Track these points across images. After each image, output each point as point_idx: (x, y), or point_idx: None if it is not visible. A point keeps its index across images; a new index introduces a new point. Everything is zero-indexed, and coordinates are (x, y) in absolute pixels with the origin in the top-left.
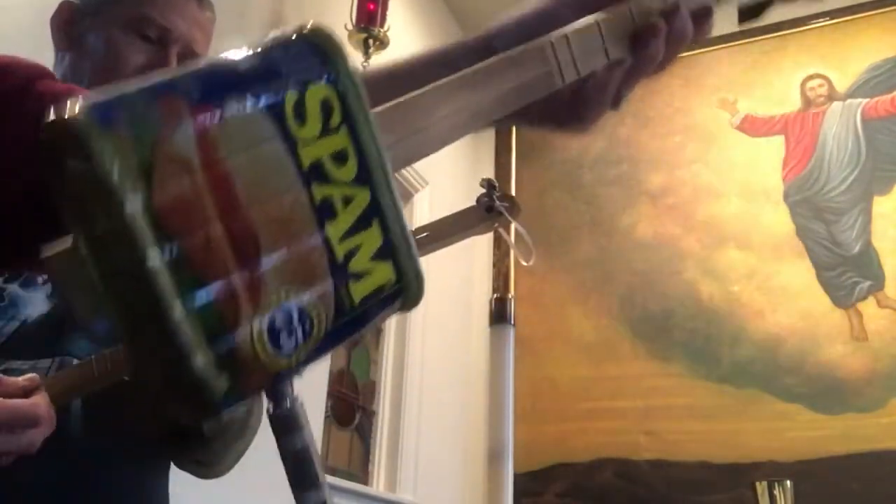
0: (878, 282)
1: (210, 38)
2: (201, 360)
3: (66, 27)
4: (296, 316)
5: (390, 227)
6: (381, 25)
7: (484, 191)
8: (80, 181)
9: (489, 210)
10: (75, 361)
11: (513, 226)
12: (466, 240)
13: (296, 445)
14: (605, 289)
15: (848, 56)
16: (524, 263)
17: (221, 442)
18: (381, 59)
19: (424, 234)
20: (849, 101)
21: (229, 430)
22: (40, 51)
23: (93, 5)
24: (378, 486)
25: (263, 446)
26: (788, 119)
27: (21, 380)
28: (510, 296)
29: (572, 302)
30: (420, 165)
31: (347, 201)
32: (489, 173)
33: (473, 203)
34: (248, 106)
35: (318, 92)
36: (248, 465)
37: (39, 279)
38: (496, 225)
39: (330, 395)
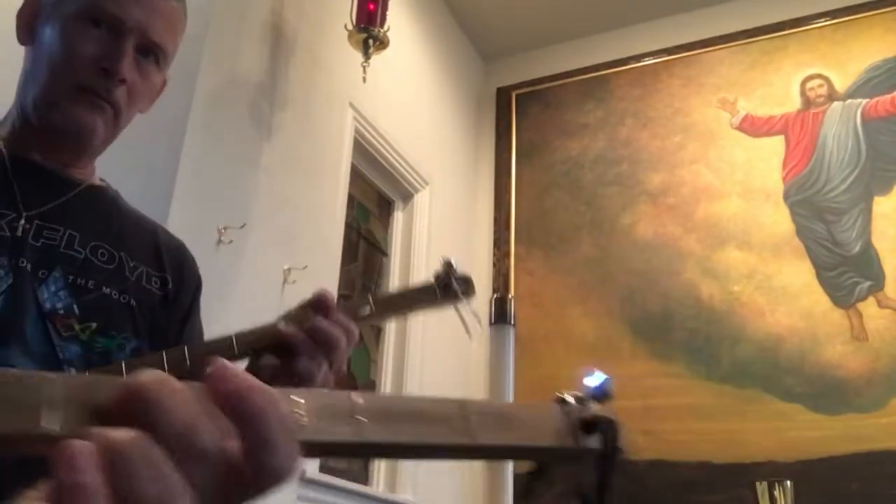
0: (878, 282)
1: (176, 28)
2: None
3: (31, 22)
4: None
5: None
6: (381, 25)
7: (441, 269)
8: None
9: (445, 288)
10: None
11: (469, 306)
12: (465, 240)
13: None
14: (605, 289)
15: (848, 56)
16: (469, 338)
17: None
18: (381, 59)
19: (378, 306)
20: (849, 101)
21: None
22: None
23: (53, 2)
24: (378, 486)
25: None
26: (788, 119)
27: None
28: (510, 296)
29: (572, 302)
30: (420, 165)
31: None
32: (489, 173)
33: (435, 273)
34: None
35: None
36: None
37: None
38: (453, 304)
39: None
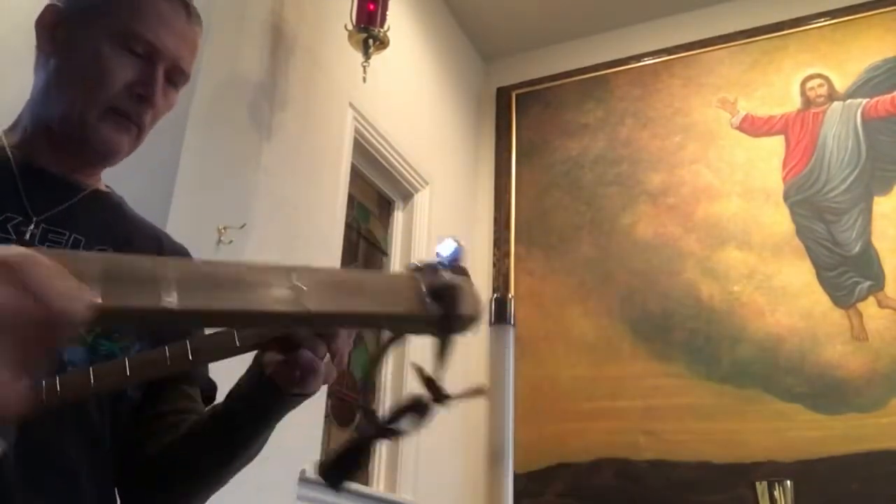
0: (878, 282)
1: (196, 53)
2: None
3: (52, 30)
4: None
5: None
6: (381, 25)
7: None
8: None
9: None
10: None
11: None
12: (465, 240)
13: None
14: (605, 289)
15: (848, 56)
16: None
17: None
18: (381, 59)
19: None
20: (849, 101)
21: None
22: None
23: (81, 13)
24: (378, 486)
25: None
26: (788, 119)
27: None
28: (510, 296)
29: (572, 302)
30: (420, 165)
31: None
32: (489, 173)
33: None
34: None
35: None
36: None
37: None
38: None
39: (330, 395)
